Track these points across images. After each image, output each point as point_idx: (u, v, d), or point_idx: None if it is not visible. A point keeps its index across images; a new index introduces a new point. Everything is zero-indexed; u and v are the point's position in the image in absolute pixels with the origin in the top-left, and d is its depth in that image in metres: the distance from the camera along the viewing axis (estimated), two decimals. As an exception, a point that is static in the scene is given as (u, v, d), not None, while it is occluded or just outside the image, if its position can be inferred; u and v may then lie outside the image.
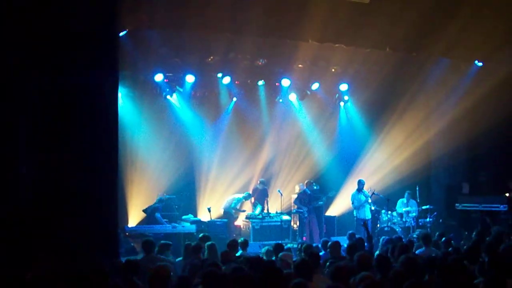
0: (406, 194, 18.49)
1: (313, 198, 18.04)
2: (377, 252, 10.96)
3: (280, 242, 12.14)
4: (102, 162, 10.30)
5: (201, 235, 12.42)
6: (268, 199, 18.25)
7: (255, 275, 7.06)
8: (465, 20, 14.72)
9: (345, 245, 11.26)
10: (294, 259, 10.58)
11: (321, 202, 18.25)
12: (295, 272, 7.87)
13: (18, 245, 9.01)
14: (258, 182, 18.56)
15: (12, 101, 9.58)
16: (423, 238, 11.93)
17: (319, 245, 12.42)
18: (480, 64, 18.21)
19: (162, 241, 11.43)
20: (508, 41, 15.65)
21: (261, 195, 18.22)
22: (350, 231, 13.61)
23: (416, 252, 11.24)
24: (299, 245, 11.84)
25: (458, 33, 15.26)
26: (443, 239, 12.18)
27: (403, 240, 12.80)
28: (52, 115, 9.82)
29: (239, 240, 11.97)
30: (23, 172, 9.59)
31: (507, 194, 17.70)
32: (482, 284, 7.06)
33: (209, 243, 10.84)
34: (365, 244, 11.72)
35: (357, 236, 13.16)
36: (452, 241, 12.15)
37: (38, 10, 9.59)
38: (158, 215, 15.84)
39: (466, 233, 14.25)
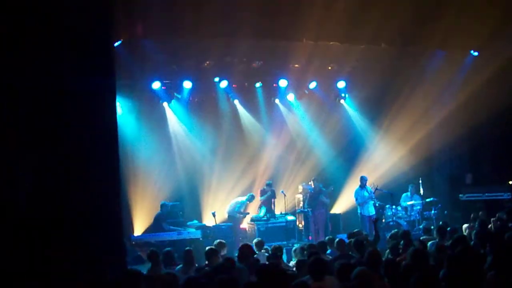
0: (409, 187, 18.52)
1: (314, 195, 18.03)
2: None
3: (285, 242, 12.10)
4: (104, 171, 10.29)
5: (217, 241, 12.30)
6: (274, 200, 18.32)
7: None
8: (459, 9, 14.75)
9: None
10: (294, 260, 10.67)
11: (322, 196, 18.23)
12: (309, 271, 7.92)
13: (22, 256, 8.99)
14: (265, 184, 18.51)
15: (7, 108, 9.55)
16: (438, 230, 12.03)
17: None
18: (476, 53, 18.25)
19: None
20: (503, 29, 15.65)
21: (269, 197, 18.23)
22: (356, 230, 13.49)
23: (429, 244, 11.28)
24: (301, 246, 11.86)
25: (452, 23, 15.29)
26: (448, 228, 12.21)
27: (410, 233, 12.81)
28: (51, 124, 9.81)
29: (254, 241, 11.99)
30: (25, 184, 9.58)
31: (510, 182, 17.72)
32: (493, 273, 7.07)
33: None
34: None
35: (363, 232, 13.15)
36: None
37: (32, 18, 9.60)
38: (165, 225, 15.88)
39: (471, 223, 14.23)
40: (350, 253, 10.69)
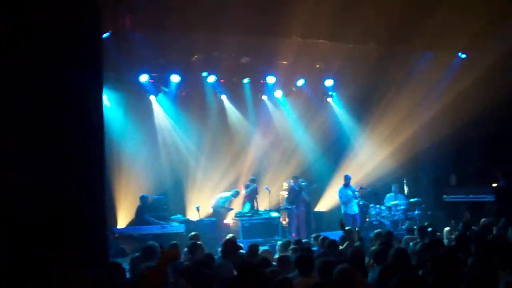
0: (393, 188, 18.61)
1: (297, 193, 18.08)
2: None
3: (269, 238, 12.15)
4: (89, 164, 10.26)
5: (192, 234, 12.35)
6: (257, 196, 18.35)
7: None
8: (447, 11, 14.79)
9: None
10: (277, 255, 10.68)
11: (303, 193, 18.25)
12: (296, 267, 7.94)
13: (5, 250, 8.96)
14: (249, 179, 18.55)
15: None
16: (419, 230, 12.11)
17: (310, 241, 12.43)
18: (464, 55, 18.34)
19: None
20: (490, 31, 15.72)
21: (253, 193, 18.27)
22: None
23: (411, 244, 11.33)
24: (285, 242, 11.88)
25: (440, 25, 15.34)
26: (429, 229, 12.30)
27: (393, 233, 12.88)
28: (36, 117, 9.76)
29: (227, 237, 11.99)
30: (11, 176, 9.53)
31: (494, 185, 17.82)
32: (474, 275, 7.09)
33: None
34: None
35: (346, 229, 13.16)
36: (437, 233, 12.35)
37: (18, 12, 9.54)
38: (147, 217, 15.88)
39: (454, 224, 14.31)
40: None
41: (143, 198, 16.42)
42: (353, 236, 11.96)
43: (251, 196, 18.20)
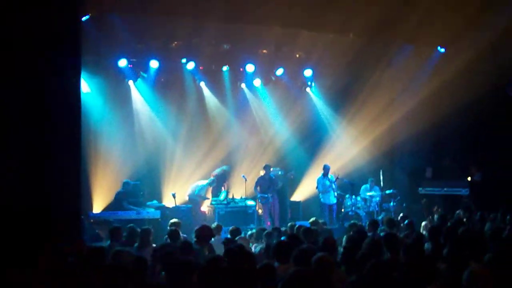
0: (369, 181, 18.68)
1: (274, 182, 18.04)
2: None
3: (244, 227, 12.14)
4: (63, 148, 10.19)
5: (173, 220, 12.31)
6: (228, 183, 18.40)
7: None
8: (428, 5, 14.83)
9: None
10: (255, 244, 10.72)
11: (280, 184, 18.23)
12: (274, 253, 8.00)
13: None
14: (224, 166, 18.59)
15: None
16: (386, 222, 12.15)
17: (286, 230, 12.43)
18: (443, 50, 18.43)
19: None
20: (469, 28, 15.78)
21: (223, 177, 18.35)
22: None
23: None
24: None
25: (421, 19, 15.38)
26: (406, 221, 12.37)
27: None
28: (11, 101, 9.68)
29: (213, 225, 11.96)
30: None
31: (469, 179, 17.99)
32: (445, 266, 7.17)
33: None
34: None
35: (320, 220, 13.20)
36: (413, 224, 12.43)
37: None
38: (125, 204, 15.81)
39: (430, 217, 14.44)
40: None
41: (125, 184, 16.34)
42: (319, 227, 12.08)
43: (222, 179, 18.28)
